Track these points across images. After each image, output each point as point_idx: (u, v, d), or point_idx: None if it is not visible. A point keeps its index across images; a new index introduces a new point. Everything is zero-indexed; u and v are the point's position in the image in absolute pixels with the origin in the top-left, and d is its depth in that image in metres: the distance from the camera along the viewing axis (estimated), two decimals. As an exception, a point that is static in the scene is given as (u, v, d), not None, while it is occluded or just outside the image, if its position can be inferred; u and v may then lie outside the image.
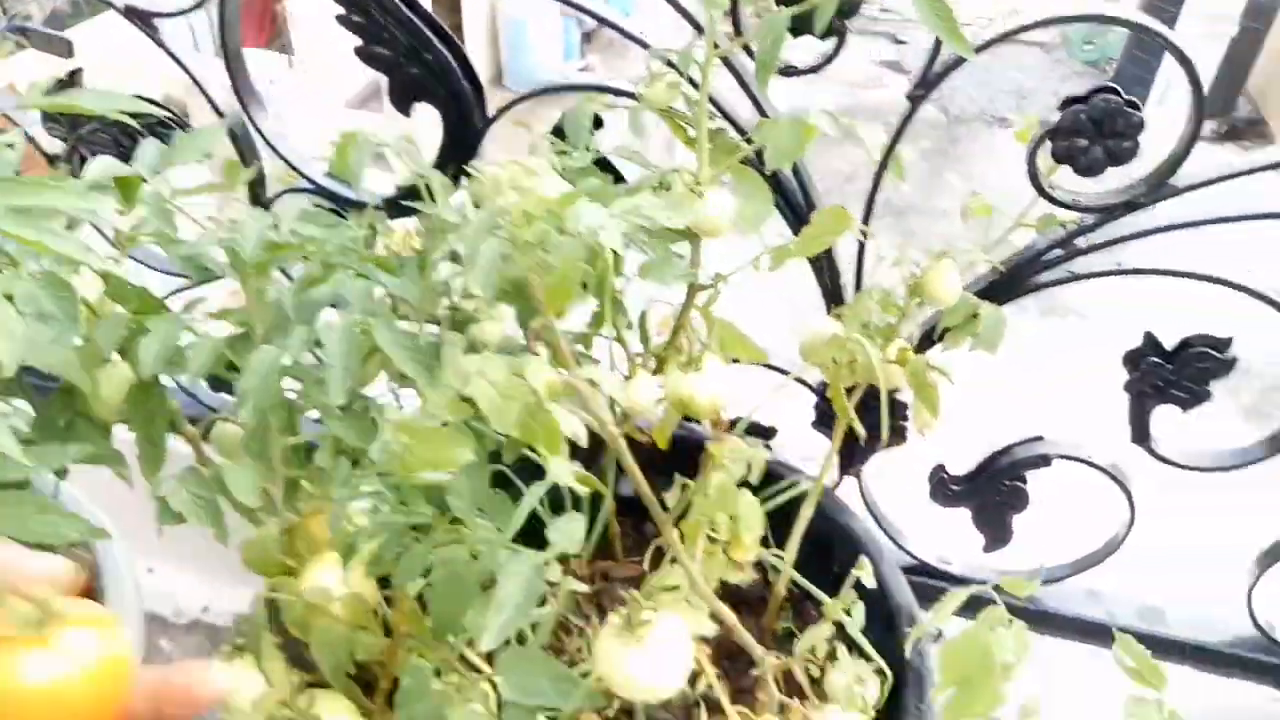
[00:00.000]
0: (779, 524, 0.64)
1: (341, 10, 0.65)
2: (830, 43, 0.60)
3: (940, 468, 0.80)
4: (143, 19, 0.71)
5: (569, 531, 0.42)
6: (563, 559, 0.41)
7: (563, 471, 0.39)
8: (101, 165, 0.51)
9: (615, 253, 0.48)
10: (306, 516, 0.47)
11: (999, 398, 1.44)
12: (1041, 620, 0.85)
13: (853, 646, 0.62)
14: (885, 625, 0.63)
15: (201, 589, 1.21)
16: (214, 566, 1.11)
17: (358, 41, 0.68)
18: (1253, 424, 2.69)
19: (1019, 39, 0.60)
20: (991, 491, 0.78)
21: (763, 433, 0.82)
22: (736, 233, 0.56)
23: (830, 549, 0.72)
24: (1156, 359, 0.65)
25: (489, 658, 0.45)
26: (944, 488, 0.79)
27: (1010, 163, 0.83)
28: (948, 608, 0.49)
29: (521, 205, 0.42)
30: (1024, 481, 0.77)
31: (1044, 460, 0.75)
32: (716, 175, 0.55)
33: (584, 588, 0.43)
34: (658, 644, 0.41)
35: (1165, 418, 0.71)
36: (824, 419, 0.78)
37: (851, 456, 0.81)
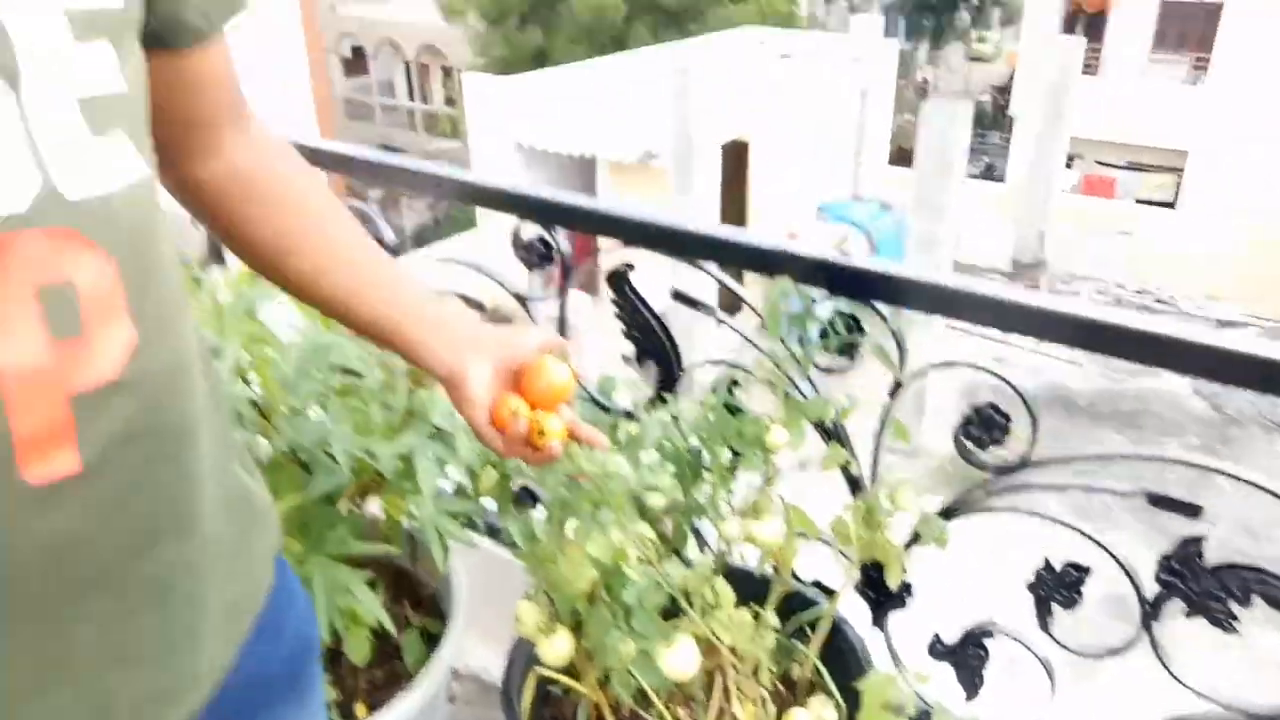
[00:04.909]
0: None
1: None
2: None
3: (936, 635, 1.23)
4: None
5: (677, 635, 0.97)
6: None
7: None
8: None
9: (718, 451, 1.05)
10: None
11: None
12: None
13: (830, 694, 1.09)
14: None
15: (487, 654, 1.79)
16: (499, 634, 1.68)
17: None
18: None
19: None
20: (964, 654, 1.20)
21: (827, 591, 1.30)
22: (789, 448, 1.10)
23: (847, 662, 1.18)
24: (1045, 571, 1.09)
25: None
26: (935, 648, 1.22)
27: None
28: None
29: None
30: (984, 650, 1.19)
31: (989, 634, 1.17)
32: (783, 418, 1.11)
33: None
34: (680, 650, 0.93)
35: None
36: (860, 587, 1.25)
37: (880, 616, 1.27)
